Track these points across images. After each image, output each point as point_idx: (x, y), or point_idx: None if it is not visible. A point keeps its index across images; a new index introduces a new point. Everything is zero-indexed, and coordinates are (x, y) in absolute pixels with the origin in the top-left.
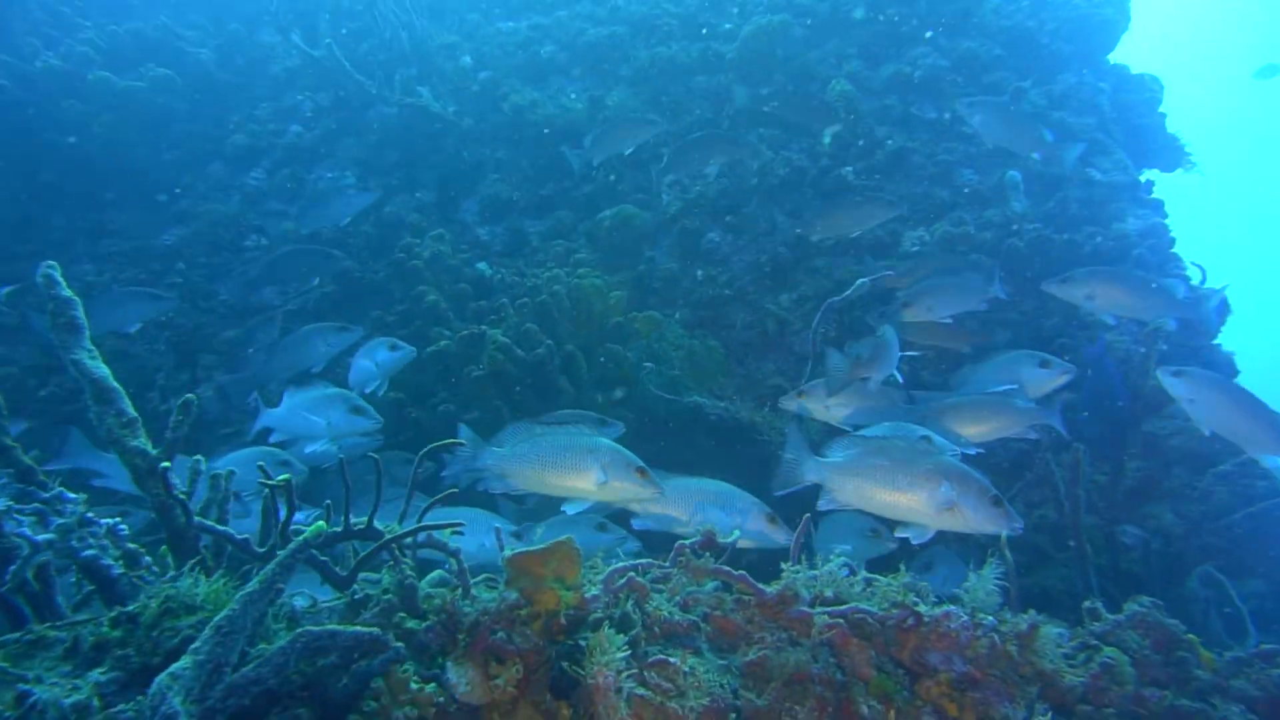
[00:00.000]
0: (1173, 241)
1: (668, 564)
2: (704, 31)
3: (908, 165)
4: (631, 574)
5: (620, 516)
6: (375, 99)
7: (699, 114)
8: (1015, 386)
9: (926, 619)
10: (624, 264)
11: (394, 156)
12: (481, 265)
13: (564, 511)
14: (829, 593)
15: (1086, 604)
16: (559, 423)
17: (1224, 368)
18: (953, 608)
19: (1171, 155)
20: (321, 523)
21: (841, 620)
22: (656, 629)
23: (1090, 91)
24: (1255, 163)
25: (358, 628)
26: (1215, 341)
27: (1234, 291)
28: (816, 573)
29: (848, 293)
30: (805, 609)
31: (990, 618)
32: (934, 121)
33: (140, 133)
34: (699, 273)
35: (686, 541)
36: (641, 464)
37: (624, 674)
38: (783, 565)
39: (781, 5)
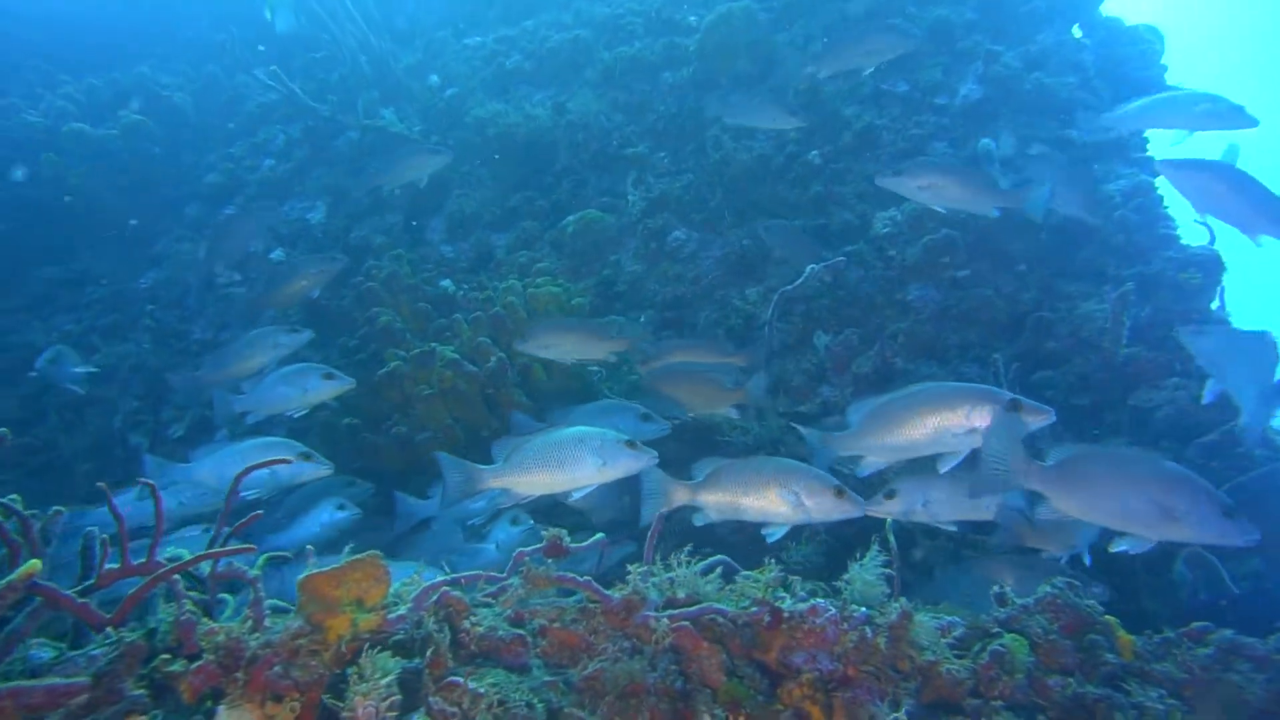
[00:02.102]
0: (1161, 199)
1: (505, 576)
2: (668, 26)
3: (877, 143)
4: (446, 588)
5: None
6: (343, 126)
7: (664, 110)
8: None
9: (788, 615)
10: (590, 270)
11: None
12: (445, 282)
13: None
14: (681, 594)
15: (995, 589)
16: (603, 412)
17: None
18: (820, 601)
19: None
20: (36, 561)
21: (687, 623)
22: (473, 647)
23: (1071, 49)
24: None
25: (53, 680)
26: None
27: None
28: (675, 574)
29: (799, 281)
30: (650, 614)
31: (862, 609)
32: (905, 95)
33: (116, 179)
34: (665, 272)
35: (527, 549)
36: (629, 438)
37: (388, 701)
38: (629, 567)
39: None
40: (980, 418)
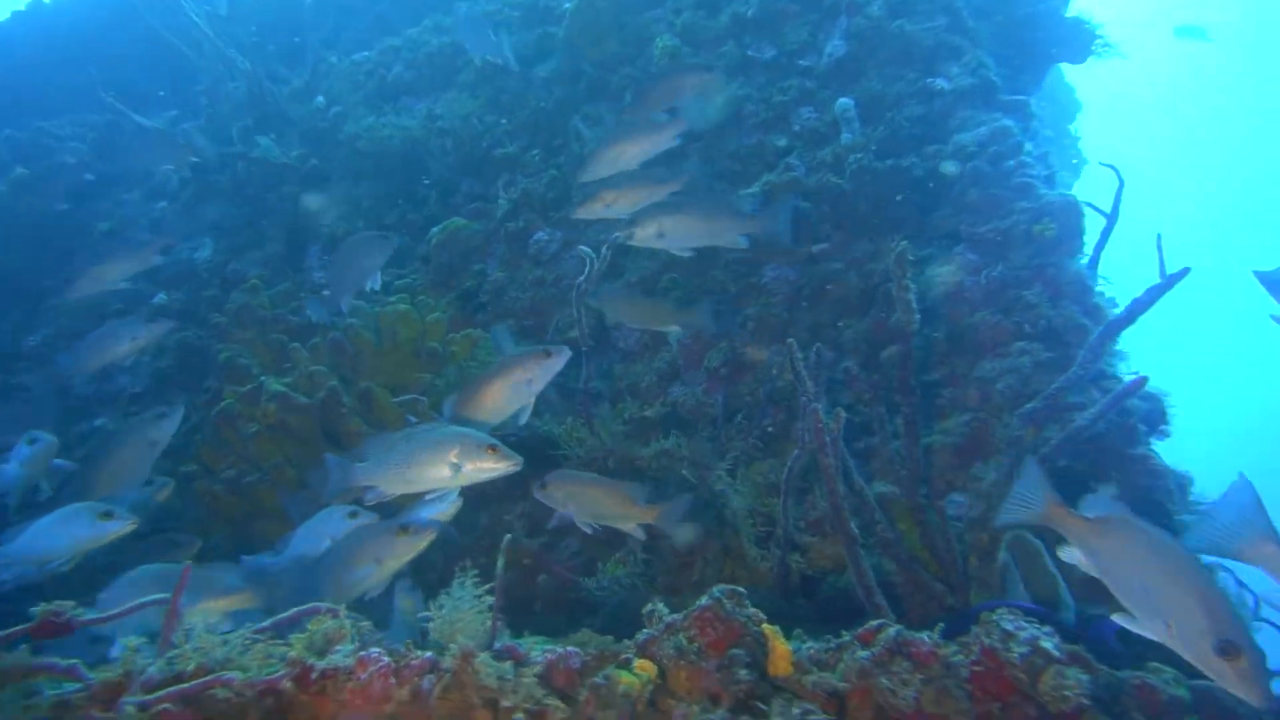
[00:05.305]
0: (1019, 146)
1: None
2: (545, 16)
3: (739, 115)
4: None
5: None
6: (225, 160)
7: (537, 105)
8: None
9: (319, 673)
10: (456, 282)
11: (245, 213)
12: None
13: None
14: (191, 666)
15: (647, 607)
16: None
17: None
18: (373, 650)
19: (1077, 44)
20: None
21: (169, 705)
22: None
23: None
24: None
25: None
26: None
27: None
28: (196, 640)
29: (589, 269)
30: (135, 698)
31: (427, 654)
32: (771, 61)
33: (7, 237)
34: (526, 276)
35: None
36: (493, 442)
37: None
38: (123, 641)
39: None
40: None
